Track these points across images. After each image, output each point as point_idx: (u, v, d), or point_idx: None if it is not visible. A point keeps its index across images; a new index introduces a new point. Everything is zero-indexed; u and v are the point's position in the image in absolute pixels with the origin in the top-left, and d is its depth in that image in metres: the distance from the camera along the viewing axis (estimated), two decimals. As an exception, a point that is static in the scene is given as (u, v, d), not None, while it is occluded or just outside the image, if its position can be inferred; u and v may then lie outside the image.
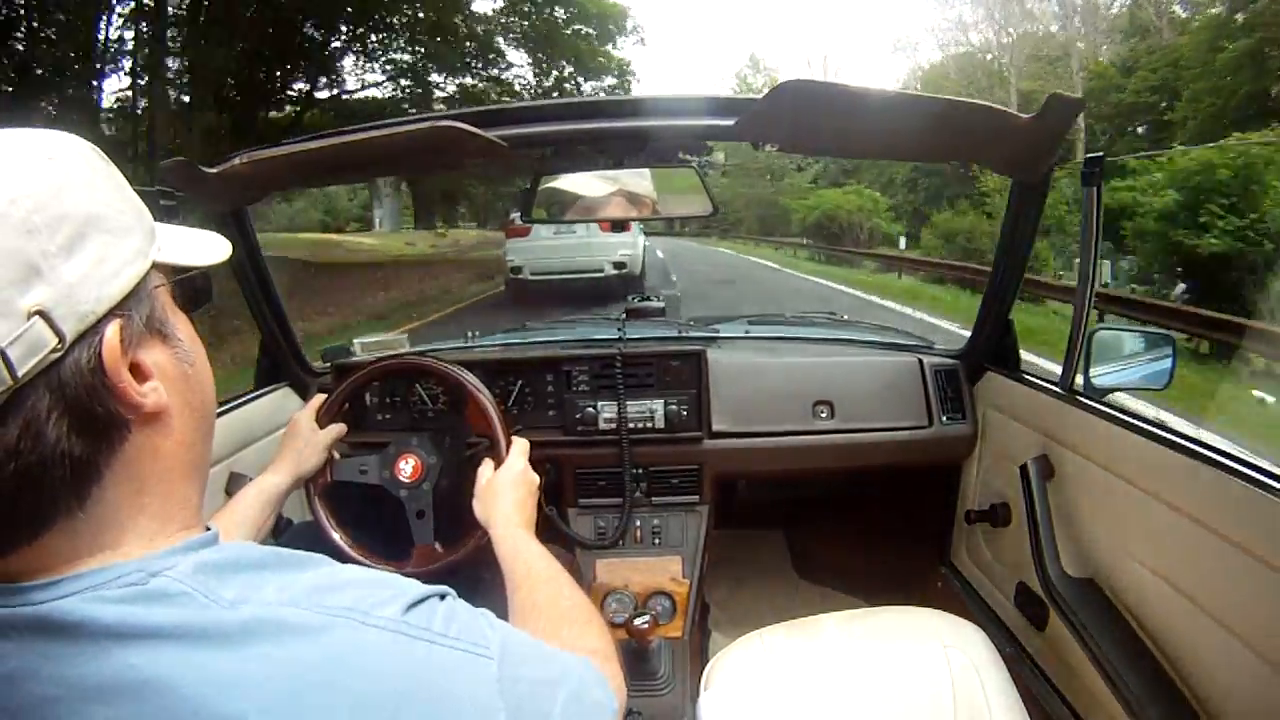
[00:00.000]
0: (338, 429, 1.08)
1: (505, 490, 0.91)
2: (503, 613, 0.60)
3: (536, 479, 0.96)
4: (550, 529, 1.30)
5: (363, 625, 0.37)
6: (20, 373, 0.33)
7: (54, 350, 0.34)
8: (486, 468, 0.97)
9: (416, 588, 0.42)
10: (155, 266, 0.41)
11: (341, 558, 0.98)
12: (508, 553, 0.79)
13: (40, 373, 0.33)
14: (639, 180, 1.16)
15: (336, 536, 1.04)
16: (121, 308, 0.37)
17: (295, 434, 1.05)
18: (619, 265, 8.77)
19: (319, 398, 1.09)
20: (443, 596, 0.43)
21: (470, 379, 1.08)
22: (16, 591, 0.35)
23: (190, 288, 0.44)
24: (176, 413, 0.40)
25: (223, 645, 0.34)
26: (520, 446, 0.99)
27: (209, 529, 0.42)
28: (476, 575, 0.97)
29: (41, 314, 0.33)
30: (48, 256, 0.34)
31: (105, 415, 0.36)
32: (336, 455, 1.08)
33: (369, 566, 0.80)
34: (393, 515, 1.05)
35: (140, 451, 0.38)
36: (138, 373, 0.38)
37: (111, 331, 0.36)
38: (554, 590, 0.71)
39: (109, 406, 0.36)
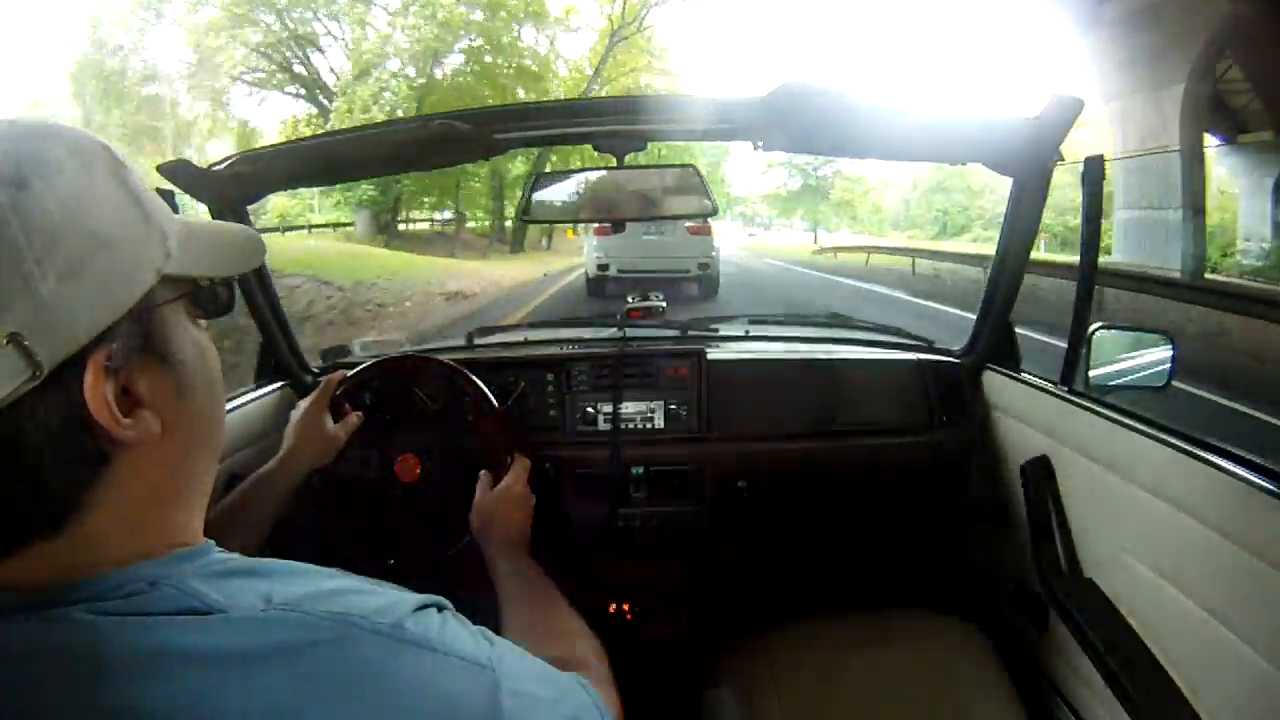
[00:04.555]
0: (355, 419, 1.04)
1: (502, 512, 0.91)
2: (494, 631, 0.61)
3: (533, 500, 0.96)
4: (548, 532, 1.30)
5: (364, 633, 0.37)
6: None
7: (29, 380, 0.31)
8: (484, 481, 0.97)
9: (415, 597, 0.42)
10: (167, 279, 0.38)
11: (334, 555, 0.98)
12: (502, 572, 0.80)
13: (15, 403, 0.31)
14: (639, 180, 1.16)
15: (329, 535, 1.04)
16: (113, 333, 0.35)
17: (312, 429, 1.00)
18: (703, 265, 8.86)
19: (327, 383, 1.05)
20: (440, 608, 0.43)
21: (479, 385, 1.08)
22: (9, 603, 0.34)
23: (209, 299, 0.42)
24: (169, 439, 0.38)
25: (223, 655, 0.34)
26: (521, 466, 0.98)
27: (206, 540, 0.42)
28: (467, 596, 0.98)
29: (15, 340, 0.31)
30: (32, 278, 0.32)
31: (86, 449, 0.34)
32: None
33: (361, 564, 0.80)
34: (388, 514, 1.05)
35: (126, 480, 0.37)
36: (129, 398, 0.36)
37: (95, 364, 0.34)
38: (548, 610, 0.72)
39: (89, 441, 0.34)
